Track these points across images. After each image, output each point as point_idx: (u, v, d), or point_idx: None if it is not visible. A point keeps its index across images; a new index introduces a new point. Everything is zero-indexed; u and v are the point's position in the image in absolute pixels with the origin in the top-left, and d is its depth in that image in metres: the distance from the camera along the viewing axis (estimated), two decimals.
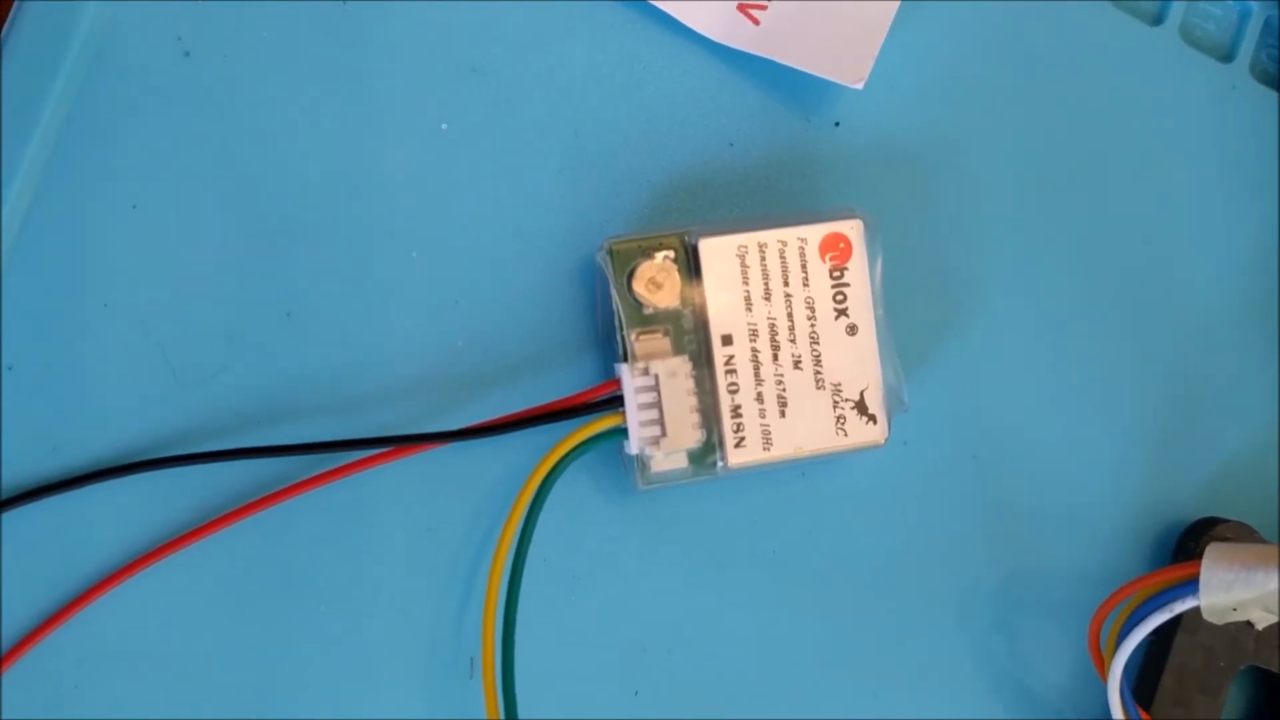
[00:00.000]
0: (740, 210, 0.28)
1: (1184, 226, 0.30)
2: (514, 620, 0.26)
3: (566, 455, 0.26)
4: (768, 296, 0.26)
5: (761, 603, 0.28)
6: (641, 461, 0.26)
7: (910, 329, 0.28)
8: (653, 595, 0.28)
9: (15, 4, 0.25)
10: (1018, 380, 0.29)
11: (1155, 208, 0.30)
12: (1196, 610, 0.25)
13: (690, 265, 0.26)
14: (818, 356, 0.26)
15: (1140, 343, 0.30)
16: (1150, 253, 0.30)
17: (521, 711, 0.25)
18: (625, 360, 0.26)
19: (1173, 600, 0.25)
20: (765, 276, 0.26)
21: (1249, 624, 0.27)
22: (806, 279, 0.26)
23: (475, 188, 0.27)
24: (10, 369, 0.26)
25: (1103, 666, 0.27)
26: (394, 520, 0.27)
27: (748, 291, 0.26)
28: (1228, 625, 0.29)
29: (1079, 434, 0.30)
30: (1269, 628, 0.28)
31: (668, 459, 0.26)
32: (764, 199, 0.28)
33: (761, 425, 0.26)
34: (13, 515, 0.25)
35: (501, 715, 0.25)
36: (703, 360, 0.26)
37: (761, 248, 0.26)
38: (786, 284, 0.26)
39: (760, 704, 0.28)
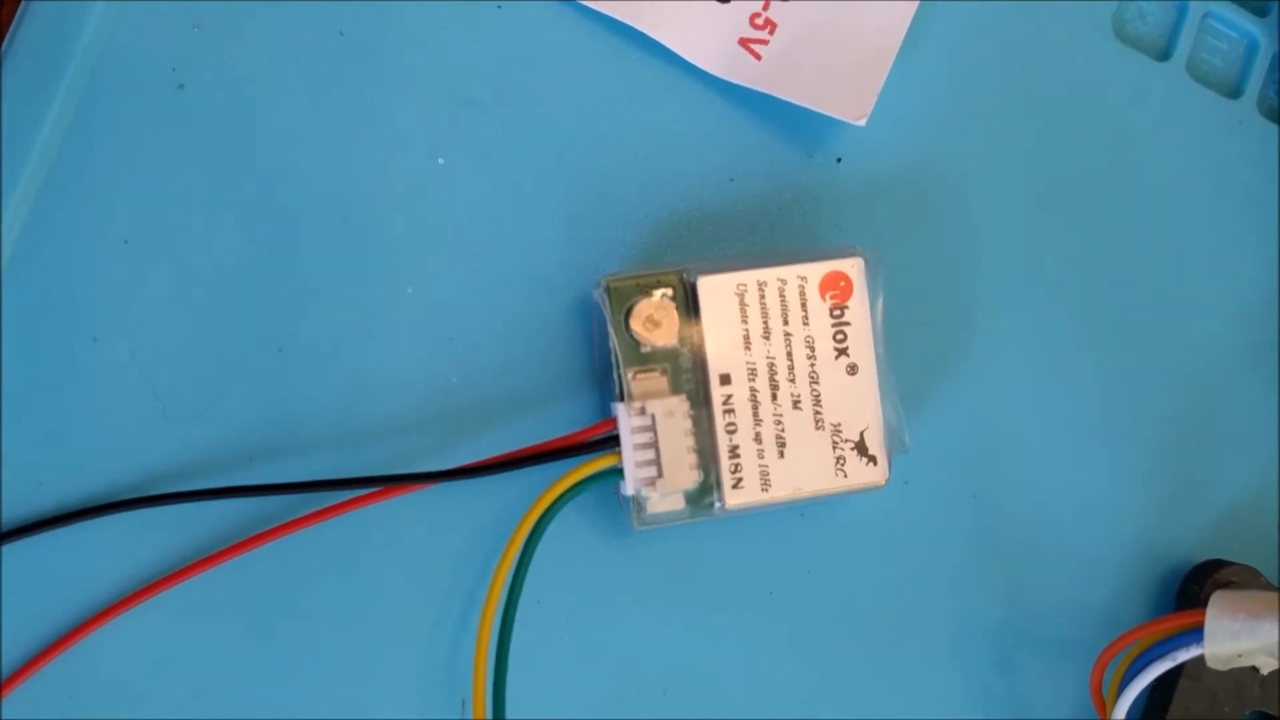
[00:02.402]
0: (741, 246, 0.28)
1: (1189, 263, 0.30)
2: (505, 661, 0.25)
3: (561, 496, 0.25)
4: (767, 335, 0.26)
5: (759, 644, 0.28)
6: (637, 503, 0.26)
7: (911, 367, 0.28)
8: (648, 636, 0.27)
9: (8, 37, 0.25)
10: (1019, 418, 0.29)
11: (1160, 244, 0.30)
12: (1200, 656, 0.25)
13: (689, 303, 0.26)
14: (817, 396, 0.26)
15: (1143, 381, 0.30)
16: (1154, 289, 0.30)
17: None
18: (622, 399, 0.25)
19: (1176, 649, 0.25)
20: (765, 315, 0.26)
21: (1253, 669, 0.26)
22: (806, 318, 0.26)
23: (472, 222, 0.27)
24: None
25: (1105, 714, 0.26)
26: (386, 559, 0.26)
27: (747, 330, 0.26)
28: (1232, 670, 0.28)
29: (1081, 473, 0.29)
30: (1274, 673, 0.28)
31: (664, 500, 0.26)
32: (765, 235, 0.28)
33: (760, 466, 0.26)
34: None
35: None
36: (700, 400, 0.26)
37: (761, 286, 0.26)
38: (786, 323, 0.26)
39: None
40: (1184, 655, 0.25)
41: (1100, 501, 0.29)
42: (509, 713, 0.25)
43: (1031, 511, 0.29)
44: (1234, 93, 0.31)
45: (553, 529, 0.26)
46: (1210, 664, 0.25)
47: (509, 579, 0.25)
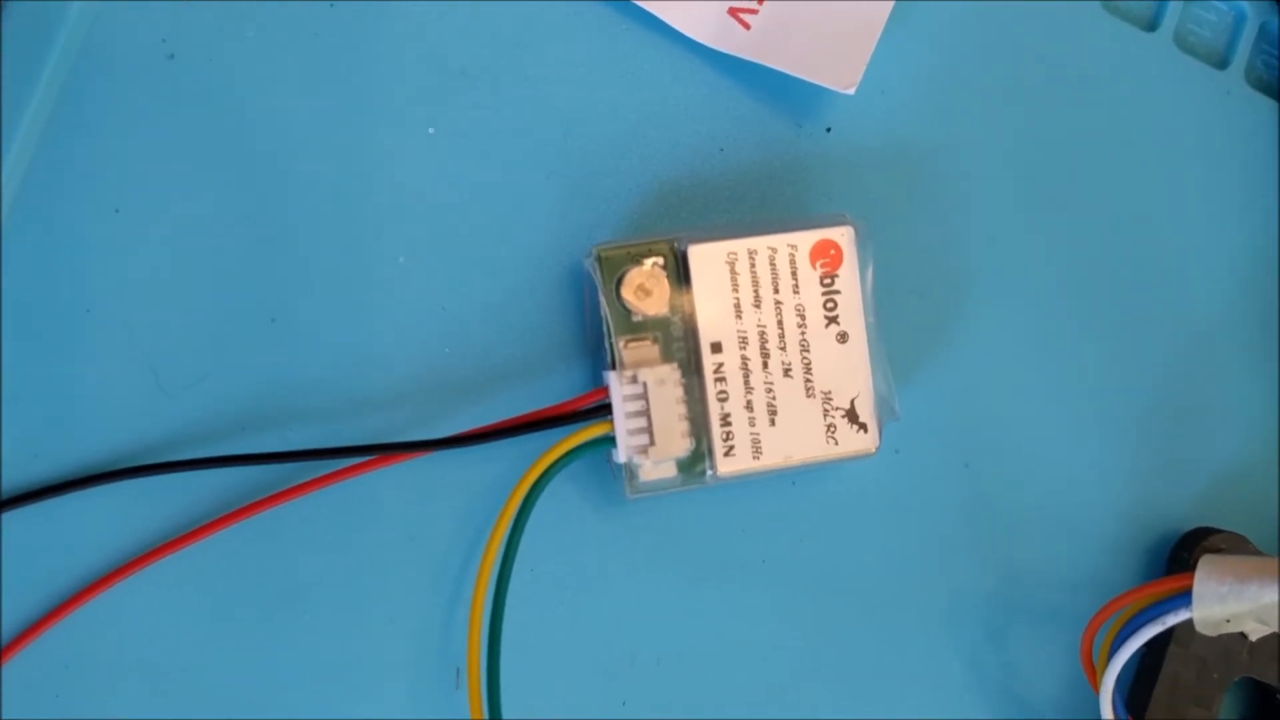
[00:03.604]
0: (731, 216, 0.28)
1: (1178, 232, 0.30)
2: (499, 629, 0.25)
3: (554, 464, 0.25)
4: (758, 304, 0.26)
5: (751, 612, 0.28)
6: (630, 470, 0.26)
7: (902, 336, 0.28)
8: (641, 605, 0.28)
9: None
10: (1010, 388, 0.29)
11: (1149, 213, 0.30)
12: (1189, 622, 0.25)
13: (680, 272, 0.26)
14: (808, 364, 0.26)
15: (1134, 351, 0.30)
16: (1144, 259, 0.30)
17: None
18: (614, 367, 0.26)
19: (1165, 613, 0.25)
20: (755, 284, 0.26)
21: (1242, 635, 0.26)
22: (797, 286, 0.26)
23: (463, 192, 0.27)
24: None
25: (1095, 678, 0.26)
26: (381, 527, 0.27)
27: (737, 299, 0.26)
28: (1221, 637, 0.28)
29: (1072, 442, 0.29)
30: (1263, 639, 0.28)
31: (656, 468, 0.26)
32: (755, 205, 0.28)
33: (751, 434, 0.26)
34: None
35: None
36: (692, 368, 0.26)
37: (751, 254, 0.26)
38: (777, 291, 0.26)
39: (750, 714, 0.28)
40: (1173, 619, 0.25)
41: (1091, 471, 0.29)
42: (503, 682, 0.25)
43: (1023, 481, 0.29)
44: (1221, 63, 0.31)
45: (546, 499, 0.26)
46: (1199, 628, 0.25)
47: (502, 547, 0.25)
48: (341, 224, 0.27)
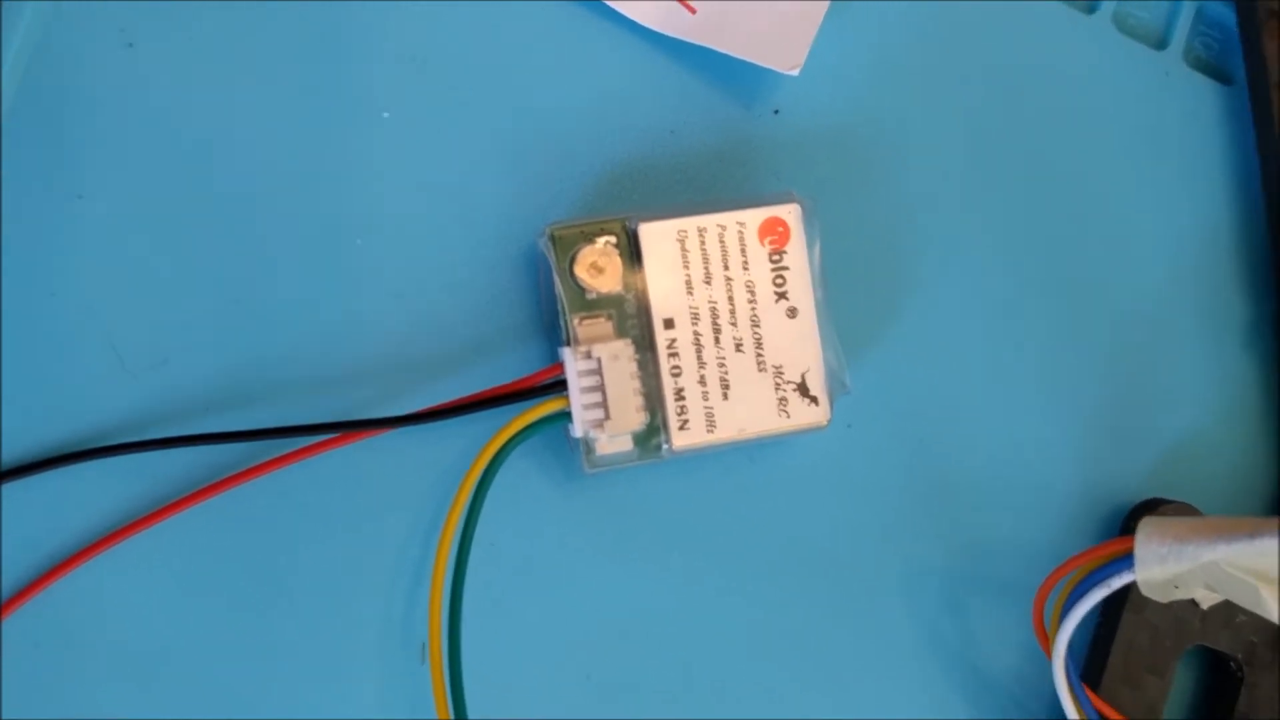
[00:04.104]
0: (682, 197, 0.29)
1: (1122, 210, 0.31)
2: (460, 604, 0.26)
3: (511, 439, 0.26)
4: (708, 280, 0.27)
5: (711, 586, 0.28)
6: (586, 444, 0.26)
7: (854, 313, 0.29)
8: (603, 580, 0.28)
9: None
10: (962, 362, 0.30)
11: (1093, 192, 0.31)
12: (1145, 591, 0.25)
13: (631, 250, 0.26)
14: (759, 339, 0.27)
15: (1083, 326, 0.30)
16: (1090, 236, 0.31)
17: (471, 696, 0.26)
18: (568, 344, 0.26)
19: (1110, 576, 0.25)
20: (705, 260, 0.26)
21: (1195, 603, 0.27)
22: (746, 263, 0.27)
23: (418, 175, 0.28)
24: None
25: (1048, 644, 0.27)
26: (344, 506, 0.27)
27: (688, 275, 0.26)
28: (1174, 605, 0.29)
29: (1024, 416, 0.30)
30: (1214, 607, 0.29)
31: (612, 442, 0.26)
32: (705, 185, 0.29)
33: (705, 408, 0.26)
34: None
35: (449, 699, 0.25)
36: (645, 344, 0.26)
37: (701, 232, 0.26)
38: (727, 268, 0.27)
39: (712, 686, 0.28)
40: (1118, 581, 0.25)
41: (1044, 445, 0.30)
42: (465, 658, 0.26)
43: (977, 455, 0.30)
44: (1160, 44, 0.31)
45: (506, 476, 0.26)
46: (1145, 592, 0.25)
47: (461, 522, 0.26)
48: (300, 207, 0.27)
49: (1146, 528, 0.25)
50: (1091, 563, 0.26)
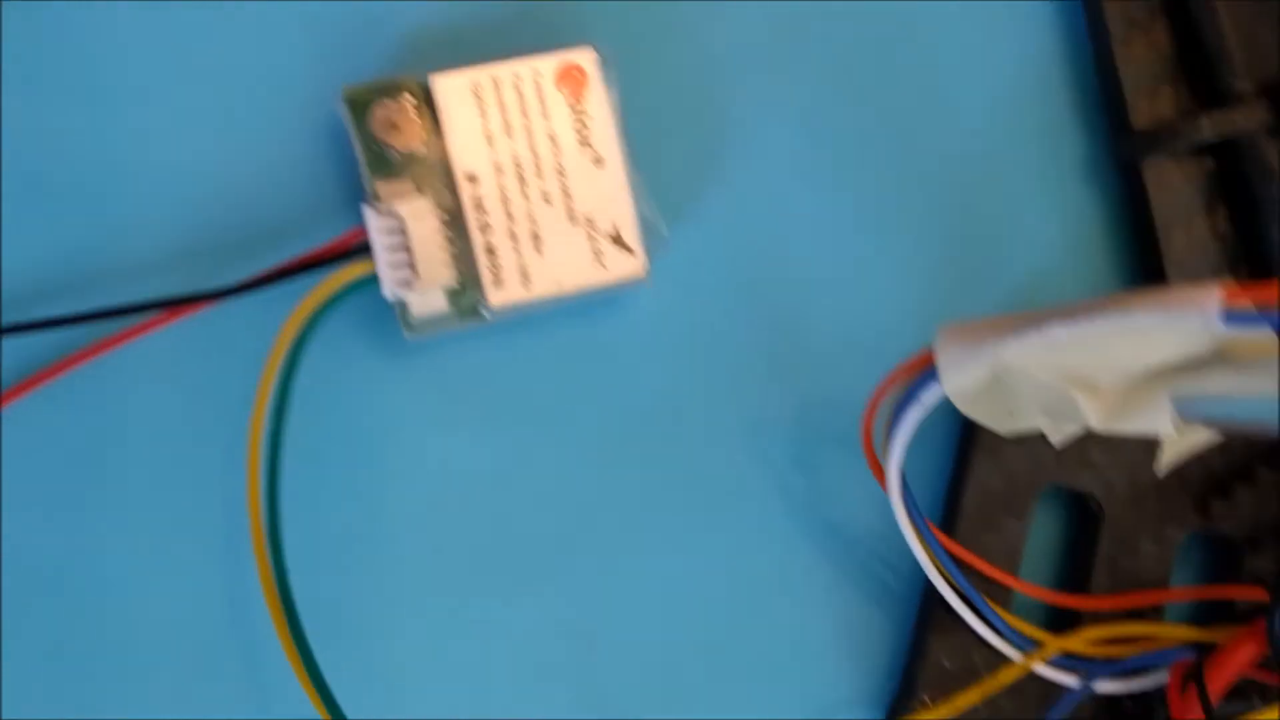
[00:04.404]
0: (485, 57, 0.28)
1: (952, 45, 0.30)
2: (277, 482, 0.25)
3: (320, 306, 0.26)
4: (509, 132, 0.26)
5: (548, 455, 0.28)
6: (401, 307, 0.26)
7: (675, 166, 0.28)
8: (438, 455, 0.28)
9: None
10: (793, 212, 0.29)
11: (920, 26, 0.30)
12: (994, 432, 0.25)
13: (431, 108, 0.26)
14: (566, 190, 0.26)
15: (915, 168, 0.30)
16: (918, 74, 0.30)
17: (303, 577, 0.25)
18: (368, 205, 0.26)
19: (919, 391, 0.24)
20: (503, 110, 0.26)
21: (1047, 442, 0.26)
22: (545, 110, 0.26)
23: (213, 55, 0.27)
24: None
25: (882, 478, 0.26)
26: (162, 391, 0.27)
27: (488, 128, 0.26)
28: (1028, 445, 0.29)
29: (860, 264, 0.30)
30: (1070, 445, 0.28)
31: (425, 301, 0.26)
32: (510, 47, 0.28)
33: (519, 263, 0.26)
34: None
35: (274, 580, 0.25)
36: (454, 202, 0.26)
37: (496, 82, 0.26)
38: (526, 117, 0.26)
39: (556, 556, 0.28)
40: (929, 397, 0.24)
41: (881, 291, 0.30)
42: (290, 546, 0.25)
43: (812, 305, 0.29)
44: None
45: (326, 355, 0.26)
46: (965, 409, 0.24)
47: (274, 396, 0.25)
48: (92, 86, 0.27)
49: (944, 333, 0.23)
50: (899, 385, 0.25)
